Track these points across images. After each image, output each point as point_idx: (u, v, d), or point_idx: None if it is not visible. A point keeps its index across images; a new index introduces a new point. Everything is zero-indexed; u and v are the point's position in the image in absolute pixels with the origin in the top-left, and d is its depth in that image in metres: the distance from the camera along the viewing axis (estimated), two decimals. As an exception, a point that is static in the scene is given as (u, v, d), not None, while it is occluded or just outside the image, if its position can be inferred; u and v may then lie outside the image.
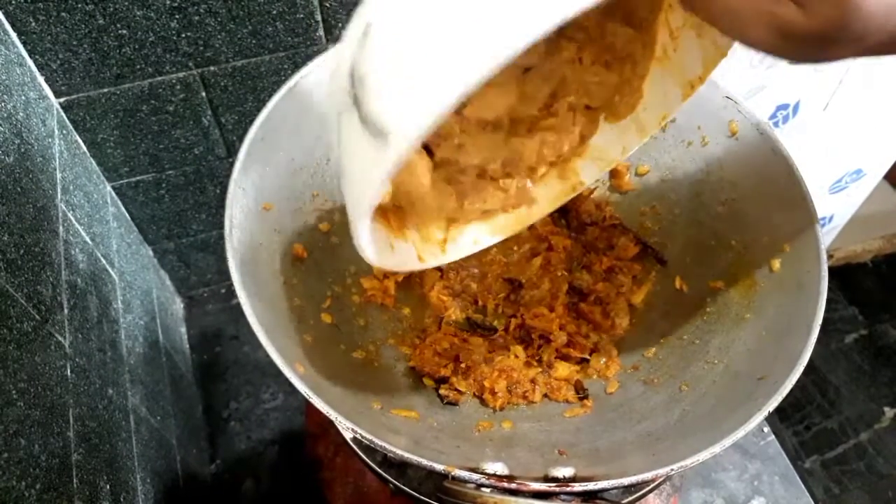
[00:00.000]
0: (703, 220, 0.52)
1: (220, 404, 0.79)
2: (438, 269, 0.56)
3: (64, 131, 0.59)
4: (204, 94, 0.63)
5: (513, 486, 0.35)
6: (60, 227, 0.50)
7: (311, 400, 0.35)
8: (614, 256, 0.56)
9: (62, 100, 0.59)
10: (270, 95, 0.46)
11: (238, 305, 0.38)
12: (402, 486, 0.44)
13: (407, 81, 0.26)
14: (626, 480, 0.35)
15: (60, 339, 0.44)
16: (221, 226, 0.41)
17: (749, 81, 0.84)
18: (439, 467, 0.35)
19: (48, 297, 0.44)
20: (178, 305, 0.86)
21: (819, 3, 0.23)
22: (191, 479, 0.66)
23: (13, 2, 0.51)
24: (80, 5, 0.52)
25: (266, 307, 0.41)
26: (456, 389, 0.49)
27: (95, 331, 0.51)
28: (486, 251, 0.57)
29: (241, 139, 0.45)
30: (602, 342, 0.52)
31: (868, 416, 1.39)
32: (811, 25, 0.23)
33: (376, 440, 0.35)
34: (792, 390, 0.37)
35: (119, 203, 0.70)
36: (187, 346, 0.83)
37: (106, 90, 0.59)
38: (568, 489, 0.35)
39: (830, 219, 1.26)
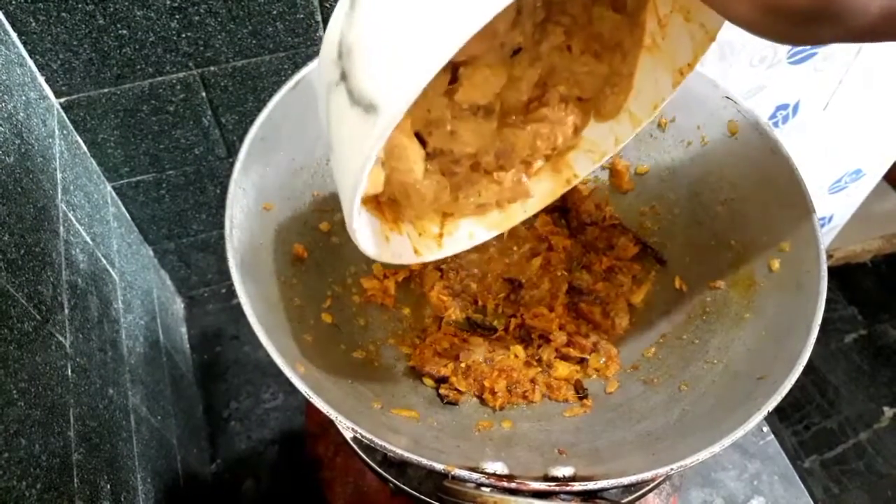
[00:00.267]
0: (703, 220, 0.52)
1: (221, 404, 0.79)
2: (438, 269, 0.56)
3: (64, 131, 0.59)
4: (204, 94, 0.63)
5: (513, 485, 0.35)
6: (61, 227, 0.50)
7: (311, 400, 0.35)
8: (614, 256, 0.56)
9: (62, 100, 0.59)
10: (270, 95, 0.46)
11: (238, 305, 0.38)
12: (402, 486, 0.44)
13: (392, 50, 0.26)
14: (625, 480, 0.35)
15: (61, 338, 0.44)
16: (221, 226, 0.41)
17: (749, 81, 0.84)
18: (439, 467, 0.35)
19: (49, 297, 0.44)
20: (179, 305, 0.86)
21: None
22: (191, 478, 0.67)
23: (13, 2, 0.51)
24: (80, 5, 0.53)
25: (266, 307, 0.41)
26: (456, 389, 0.49)
27: (96, 331, 0.52)
28: (486, 251, 0.57)
29: (241, 139, 0.45)
30: (602, 342, 0.52)
31: (867, 415, 1.39)
32: (795, 1, 0.23)
33: (376, 440, 0.35)
34: (791, 390, 0.37)
35: (119, 203, 0.70)
36: (188, 346, 0.83)
37: (106, 90, 0.60)
38: (568, 489, 0.35)
39: (830, 219, 1.26)
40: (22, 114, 0.49)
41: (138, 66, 0.59)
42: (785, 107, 0.91)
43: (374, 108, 0.26)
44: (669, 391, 0.46)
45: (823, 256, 0.42)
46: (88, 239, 0.56)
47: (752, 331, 0.45)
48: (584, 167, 0.44)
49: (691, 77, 0.50)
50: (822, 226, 1.22)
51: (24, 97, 0.51)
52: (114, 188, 0.69)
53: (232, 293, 0.85)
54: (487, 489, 0.35)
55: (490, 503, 0.35)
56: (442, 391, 0.49)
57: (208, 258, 0.83)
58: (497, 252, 0.57)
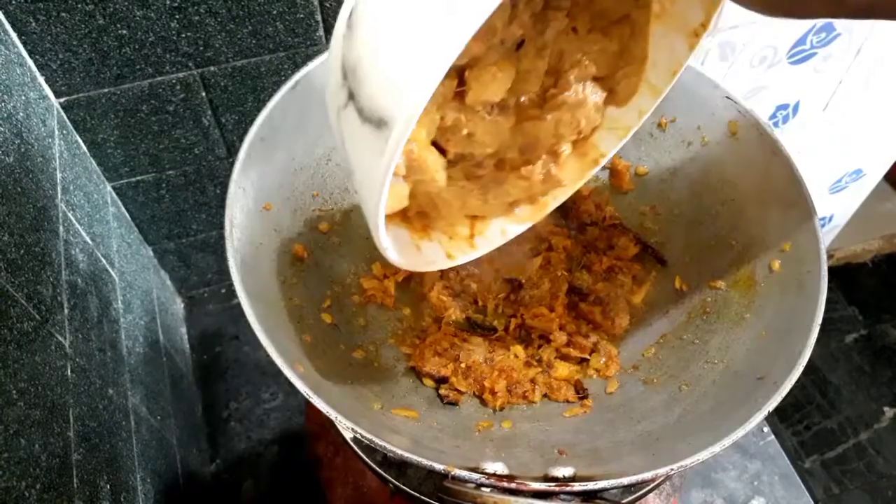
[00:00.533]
0: (704, 220, 0.52)
1: (220, 404, 0.79)
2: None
3: (64, 131, 0.59)
4: (204, 94, 0.63)
5: (513, 485, 0.35)
6: (60, 227, 0.50)
7: (311, 400, 0.35)
8: (614, 256, 0.56)
9: (62, 100, 0.59)
10: (270, 95, 0.46)
11: (238, 305, 0.38)
12: (402, 486, 0.44)
13: (394, 63, 0.26)
14: (625, 480, 0.35)
15: (61, 339, 0.44)
16: (221, 226, 0.41)
17: (749, 81, 0.84)
18: (439, 467, 0.35)
19: (48, 297, 0.44)
20: (179, 305, 0.86)
21: None
22: (191, 478, 0.66)
23: (13, 2, 0.51)
24: (80, 5, 0.52)
25: (266, 307, 0.41)
26: (456, 389, 0.49)
27: (95, 331, 0.51)
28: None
29: (241, 139, 0.45)
30: (602, 342, 0.52)
31: (868, 415, 1.39)
32: None
33: (376, 440, 0.35)
34: (792, 390, 0.37)
35: (119, 203, 0.70)
36: (187, 346, 0.83)
37: (106, 90, 0.59)
38: (568, 489, 0.35)
39: (830, 219, 1.26)
40: (21, 114, 0.49)
41: (138, 66, 0.59)
42: (785, 107, 0.91)
43: (384, 123, 0.27)
44: (670, 391, 0.46)
45: (824, 256, 0.42)
46: (88, 239, 0.56)
47: (753, 331, 0.45)
48: (609, 145, 0.43)
49: (692, 77, 0.50)
50: (823, 226, 1.22)
51: (23, 97, 0.51)
52: (113, 188, 0.69)
53: (232, 293, 0.85)
54: (487, 489, 0.35)
55: (490, 503, 0.35)
56: (442, 391, 0.49)
57: (208, 258, 0.83)
58: (497, 252, 0.57)
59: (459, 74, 0.35)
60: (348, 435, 0.43)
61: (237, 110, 0.66)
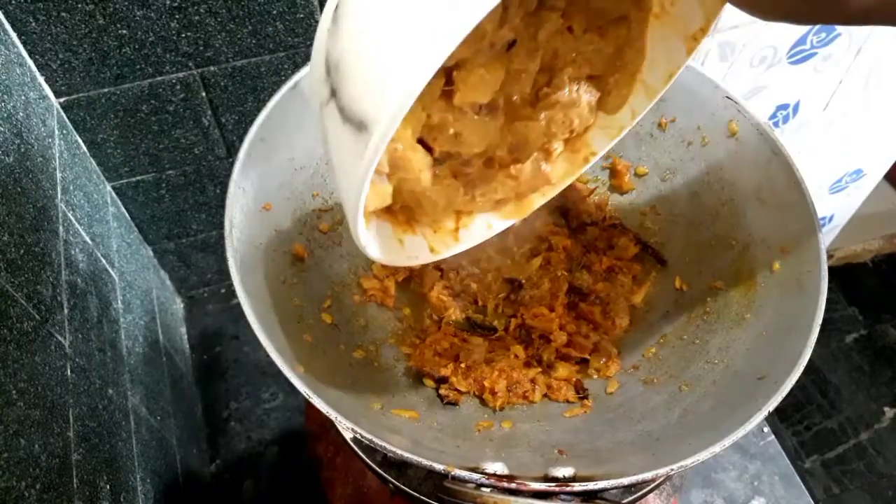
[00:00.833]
0: (703, 220, 0.52)
1: (220, 404, 0.79)
2: (438, 269, 0.56)
3: (64, 131, 0.59)
4: (204, 94, 0.63)
5: (513, 485, 0.35)
6: (60, 227, 0.50)
7: (311, 400, 0.35)
8: (614, 256, 0.56)
9: (62, 100, 0.59)
10: (270, 95, 0.46)
11: (238, 305, 0.38)
12: (402, 486, 0.44)
13: (377, 67, 0.25)
14: (626, 480, 0.35)
15: (60, 339, 0.44)
16: (221, 226, 0.41)
17: (749, 82, 0.84)
18: (439, 467, 0.35)
19: (48, 297, 0.44)
20: (178, 305, 0.86)
21: None
22: (191, 479, 0.66)
23: (13, 2, 0.51)
24: (80, 5, 0.52)
25: (266, 307, 0.41)
26: (456, 389, 0.49)
27: (95, 331, 0.51)
28: (486, 251, 0.57)
29: (241, 139, 0.45)
30: (602, 342, 0.52)
31: (868, 416, 1.39)
32: None
33: (376, 440, 0.35)
34: (792, 390, 0.37)
35: (119, 203, 0.70)
36: (187, 346, 0.83)
37: (106, 90, 0.59)
38: (568, 489, 0.35)
39: (830, 219, 1.26)
40: (21, 113, 0.49)
41: (138, 66, 0.59)
42: (785, 107, 0.91)
43: (365, 127, 0.26)
44: (670, 391, 0.46)
45: (824, 256, 0.42)
46: (88, 239, 0.56)
47: (753, 331, 0.45)
48: (602, 144, 0.42)
49: (692, 77, 0.50)
50: (823, 226, 1.22)
51: (23, 97, 0.51)
52: (113, 188, 0.69)
53: (231, 293, 0.85)
54: (487, 490, 0.35)
55: (490, 503, 0.35)
56: (442, 391, 0.49)
57: (208, 258, 0.83)
58: (497, 252, 0.57)
59: (447, 73, 0.34)
60: (348, 435, 0.43)
61: (237, 110, 0.66)
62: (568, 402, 0.49)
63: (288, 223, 0.49)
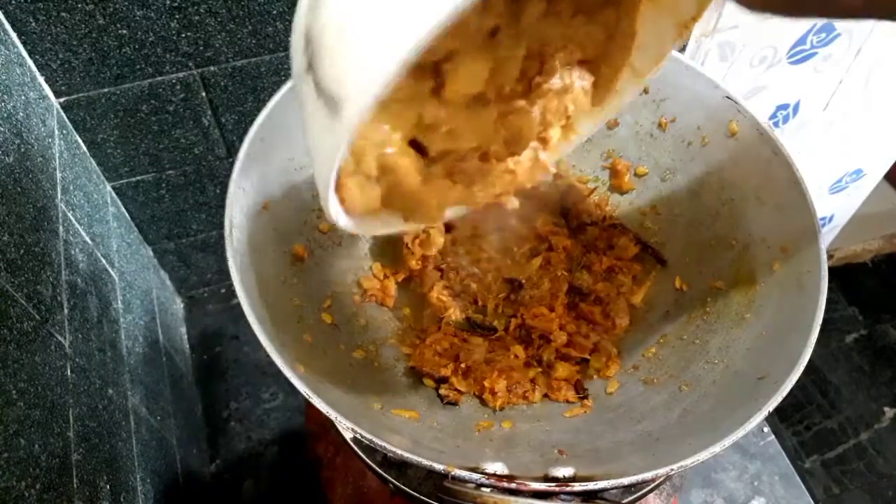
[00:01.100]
0: (703, 220, 0.52)
1: (220, 404, 0.79)
2: (438, 269, 0.56)
3: (64, 131, 0.59)
4: (204, 94, 0.63)
5: (513, 485, 0.35)
6: (60, 227, 0.50)
7: (311, 400, 0.35)
8: (614, 256, 0.56)
9: (62, 100, 0.59)
10: (270, 95, 0.46)
11: (238, 305, 0.38)
12: (402, 486, 0.44)
13: (354, 48, 0.25)
14: (626, 480, 0.35)
15: (60, 339, 0.44)
16: (221, 226, 0.41)
17: (749, 82, 0.84)
18: (439, 467, 0.35)
19: (48, 297, 0.44)
20: (178, 305, 0.86)
21: None
22: (191, 479, 0.66)
23: (13, 2, 0.51)
24: (80, 5, 0.52)
25: (266, 307, 0.41)
26: (456, 389, 0.49)
27: (95, 331, 0.51)
28: (486, 251, 0.57)
29: (241, 139, 0.45)
30: (602, 342, 0.52)
31: (868, 416, 1.39)
32: None
33: (376, 440, 0.35)
34: (792, 390, 0.37)
35: (119, 203, 0.70)
36: (187, 346, 0.83)
37: (106, 90, 0.59)
38: (568, 489, 0.35)
39: (830, 219, 1.26)
40: (21, 113, 0.49)
41: (138, 66, 0.59)
42: (785, 107, 0.91)
43: (336, 106, 0.26)
44: (670, 391, 0.46)
45: (824, 256, 0.42)
46: (88, 239, 0.56)
47: (753, 331, 0.45)
48: (587, 127, 0.42)
49: (692, 77, 0.50)
50: (823, 226, 1.22)
51: (23, 97, 0.51)
52: (113, 188, 0.69)
53: (231, 293, 0.85)
54: (487, 490, 0.35)
55: (490, 503, 0.35)
56: (442, 391, 0.49)
57: (208, 258, 0.83)
58: (497, 252, 0.57)
59: (435, 70, 0.34)
60: (348, 435, 0.43)
61: (237, 110, 0.66)
62: (568, 402, 0.49)
63: (288, 223, 0.49)
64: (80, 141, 0.62)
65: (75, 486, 0.40)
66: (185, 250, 0.81)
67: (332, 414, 0.35)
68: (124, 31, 0.55)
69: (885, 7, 0.23)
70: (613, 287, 0.55)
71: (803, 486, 0.71)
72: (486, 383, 0.49)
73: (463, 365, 0.50)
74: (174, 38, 0.57)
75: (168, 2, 0.55)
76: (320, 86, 0.27)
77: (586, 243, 0.57)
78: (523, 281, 0.56)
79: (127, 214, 0.72)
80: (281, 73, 0.64)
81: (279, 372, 0.36)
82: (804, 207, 0.44)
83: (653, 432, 0.42)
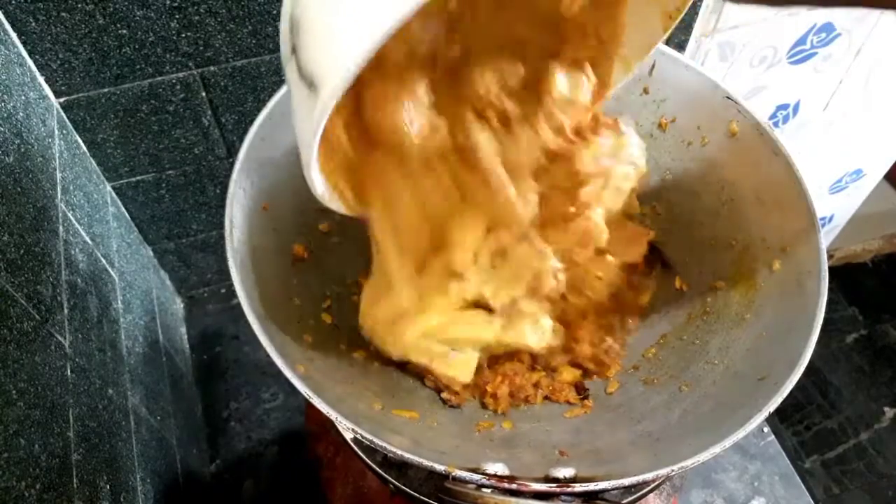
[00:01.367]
0: (704, 220, 0.52)
1: (220, 404, 0.79)
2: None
3: (64, 131, 0.59)
4: (204, 94, 0.63)
5: (513, 486, 0.35)
6: (60, 227, 0.50)
7: (311, 400, 0.35)
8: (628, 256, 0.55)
9: (62, 100, 0.59)
10: (270, 95, 0.46)
11: (238, 305, 0.38)
12: (402, 487, 0.44)
13: (329, 32, 0.26)
14: (626, 481, 0.35)
15: (60, 339, 0.44)
16: (221, 226, 0.41)
17: (749, 82, 0.84)
18: (440, 467, 0.35)
19: (48, 297, 0.44)
20: (178, 305, 0.86)
21: None
22: (191, 479, 0.66)
23: (13, 2, 0.51)
24: (80, 5, 0.52)
25: (266, 307, 0.41)
26: (457, 393, 0.49)
27: (95, 331, 0.51)
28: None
29: (241, 139, 0.45)
30: (613, 346, 0.52)
31: (868, 416, 1.39)
32: None
33: (376, 440, 0.35)
34: (792, 390, 0.37)
35: (119, 203, 0.70)
36: (187, 346, 0.83)
37: (106, 90, 0.59)
38: (569, 489, 0.35)
39: (830, 219, 1.26)
40: (21, 113, 0.49)
41: (138, 66, 0.58)
42: (785, 107, 0.91)
43: (314, 88, 0.27)
44: (670, 392, 0.46)
45: (824, 256, 0.42)
46: (88, 239, 0.56)
47: (753, 331, 0.45)
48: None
49: (691, 77, 0.50)
50: (823, 226, 1.22)
51: (23, 97, 0.51)
52: (113, 188, 0.69)
53: (232, 293, 0.85)
54: (488, 490, 0.35)
55: (490, 504, 0.35)
56: (444, 395, 0.49)
57: (208, 258, 0.83)
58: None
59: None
60: (348, 435, 0.43)
61: (237, 110, 0.66)
62: (569, 403, 0.49)
63: (288, 223, 0.49)
64: (80, 141, 0.62)
65: (75, 486, 0.40)
66: (185, 250, 0.81)
67: (332, 414, 0.35)
68: (124, 31, 0.55)
69: None
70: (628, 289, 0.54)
71: (803, 487, 0.71)
72: (489, 388, 0.48)
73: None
74: (174, 38, 0.57)
75: (168, 2, 0.55)
76: (302, 70, 0.28)
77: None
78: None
79: (127, 214, 0.72)
80: (281, 73, 0.64)
81: (279, 372, 0.36)
82: (804, 207, 0.44)
83: (653, 433, 0.42)
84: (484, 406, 0.49)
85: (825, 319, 0.39)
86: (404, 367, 0.50)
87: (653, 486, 0.46)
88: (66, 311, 0.46)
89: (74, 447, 0.42)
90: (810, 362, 0.38)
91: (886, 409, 1.40)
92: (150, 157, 0.67)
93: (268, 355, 0.36)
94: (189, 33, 0.57)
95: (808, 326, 0.39)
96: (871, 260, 1.63)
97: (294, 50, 0.29)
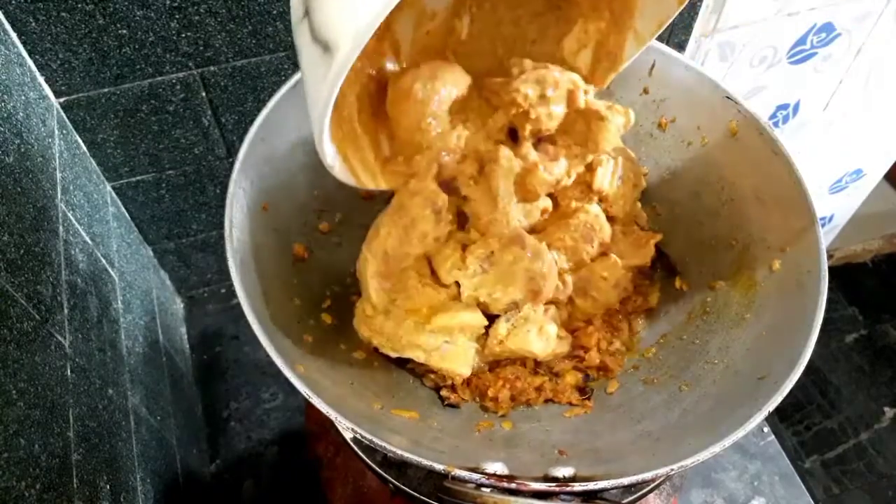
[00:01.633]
0: (704, 221, 0.52)
1: (220, 404, 0.79)
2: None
3: (64, 131, 0.59)
4: (204, 93, 0.63)
5: (513, 485, 0.35)
6: (60, 227, 0.50)
7: (311, 400, 0.35)
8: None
9: (62, 100, 0.59)
10: (270, 95, 0.46)
11: (238, 305, 0.38)
12: (402, 486, 0.44)
13: None
14: (626, 480, 0.35)
15: (60, 339, 0.44)
16: (221, 226, 0.41)
17: (749, 81, 0.84)
18: (439, 467, 0.35)
19: (48, 297, 0.44)
20: (178, 305, 0.86)
21: None
22: (191, 479, 0.66)
23: (13, 2, 0.51)
24: (79, 5, 0.52)
25: (266, 307, 0.41)
26: (457, 394, 0.49)
27: (95, 331, 0.51)
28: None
29: (241, 139, 0.45)
30: (619, 348, 0.52)
31: (868, 416, 1.39)
32: None
33: (376, 440, 0.35)
34: (792, 390, 0.37)
35: (119, 203, 0.70)
36: (187, 346, 0.83)
37: (106, 90, 0.59)
38: (568, 489, 0.35)
39: (830, 218, 1.26)
40: (21, 113, 0.49)
41: (138, 66, 0.58)
42: (785, 107, 0.91)
43: (329, 50, 0.27)
44: (670, 391, 0.46)
45: (824, 256, 0.42)
46: (88, 239, 0.56)
47: (753, 331, 0.45)
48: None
49: (692, 77, 0.50)
50: (823, 226, 1.22)
51: (23, 97, 0.51)
52: (113, 188, 0.69)
53: (231, 293, 0.85)
54: (487, 489, 0.35)
55: (490, 503, 0.35)
56: (443, 394, 0.49)
57: (208, 258, 0.83)
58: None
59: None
60: (348, 435, 0.43)
61: (237, 110, 0.66)
62: (570, 403, 0.49)
63: (288, 223, 0.49)
64: (79, 141, 0.62)
65: (75, 486, 0.40)
66: (185, 250, 0.81)
67: (332, 414, 0.35)
68: (124, 31, 0.55)
69: None
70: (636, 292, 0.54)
71: (803, 486, 0.71)
72: (490, 392, 0.48)
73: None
74: (174, 38, 0.57)
75: (168, 2, 0.55)
76: (315, 32, 0.28)
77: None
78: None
79: (127, 214, 0.72)
80: (281, 72, 0.64)
81: (279, 372, 0.36)
82: (804, 207, 0.44)
83: (653, 432, 0.42)
84: (484, 409, 0.49)
85: (825, 319, 0.39)
86: (404, 366, 0.50)
87: (653, 485, 0.46)
88: (66, 311, 0.46)
89: (74, 447, 0.42)
90: (810, 362, 0.38)
91: (886, 409, 1.40)
92: (150, 157, 0.67)
93: (268, 355, 0.36)
94: (189, 33, 0.57)
95: (808, 326, 0.39)
96: (871, 260, 1.63)
97: (307, 12, 0.29)
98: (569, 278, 0.47)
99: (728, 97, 0.49)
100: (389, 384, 0.49)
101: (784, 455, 0.73)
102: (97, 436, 0.46)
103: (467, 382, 0.49)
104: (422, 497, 0.43)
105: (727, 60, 0.79)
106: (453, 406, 0.49)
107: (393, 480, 0.44)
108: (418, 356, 0.45)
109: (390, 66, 0.40)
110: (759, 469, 0.72)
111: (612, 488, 0.36)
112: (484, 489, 0.35)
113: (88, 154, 0.64)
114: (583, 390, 0.50)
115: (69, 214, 0.53)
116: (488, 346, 0.46)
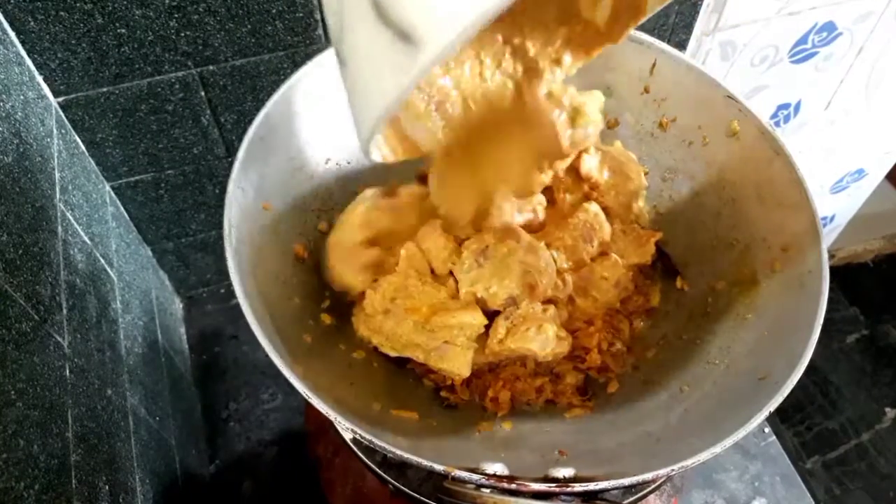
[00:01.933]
0: (705, 220, 0.52)
1: (220, 405, 0.78)
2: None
3: (62, 131, 0.58)
4: (203, 93, 0.63)
5: (513, 486, 0.35)
6: (59, 227, 0.50)
7: (310, 400, 0.35)
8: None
9: (61, 99, 0.59)
10: (270, 95, 0.45)
11: (237, 305, 0.37)
12: (401, 487, 0.44)
13: None
14: (626, 481, 0.34)
15: (59, 339, 0.44)
16: (221, 226, 0.41)
17: (750, 81, 0.84)
18: (439, 468, 0.35)
19: (47, 298, 0.44)
20: (178, 305, 0.86)
21: None
22: (190, 479, 0.66)
23: (12, 1, 0.50)
24: (78, 4, 0.52)
25: (265, 307, 0.41)
26: (456, 394, 0.49)
27: (94, 331, 0.51)
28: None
29: (240, 139, 0.44)
30: (620, 348, 0.51)
31: (869, 416, 1.39)
32: None
33: (376, 440, 0.35)
34: (793, 390, 0.37)
35: (118, 203, 0.70)
36: (186, 346, 0.83)
37: (105, 89, 0.59)
38: (568, 489, 0.35)
39: (831, 219, 1.26)
40: (20, 113, 0.49)
41: (137, 66, 0.58)
42: (786, 106, 0.90)
43: (410, 39, 0.22)
44: (670, 392, 0.46)
45: (825, 256, 0.42)
46: (87, 239, 0.56)
47: (754, 331, 0.45)
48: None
49: (693, 77, 0.50)
50: (824, 226, 1.22)
51: (22, 96, 0.51)
52: (112, 188, 0.69)
53: (231, 293, 0.84)
54: (487, 490, 0.35)
55: (490, 504, 0.35)
56: (443, 394, 0.49)
57: (207, 258, 0.83)
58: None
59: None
60: (348, 435, 0.43)
61: (236, 110, 0.66)
62: (571, 404, 0.49)
63: (288, 223, 0.49)
64: (78, 140, 0.62)
65: (74, 486, 0.40)
66: (184, 250, 0.81)
67: (331, 414, 0.35)
68: (123, 31, 0.55)
69: None
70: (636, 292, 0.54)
71: (804, 487, 0.71)
72: (490, 392, 0.48)
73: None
74: (173, 37, 0.57)
75: (167, 1, 0.54)
76: (383, 9, 0.23)
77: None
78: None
79: (126, 214, 0.72)
80: (280, 72, 0.64)
81: (279, 372, 0.36)
82: (805, 207, 0.44)
83: (653, 433, 0.42)
84: (484, 409, 0.49)
85: (826, 319, 0.39)
86: (404, 367, 0.50)
87: (653, 486, 0.45)
88: (64, 311, 0.46)
89: (73, 448, 0.42)
90: (811, 362, 0.38)
91: (888, 409, 1.40)
92: (149, 157, 0.67)
93: (267, 355, 0.36)
94: (188, 32, 0.57)
95: (809, 326, 0.39)
96: (872, 260, 1.63)
97: None
98: (569, 278, 0.47)
99: (729, 96, 0.48)
100: (389, 384, 0.49)
101: (785, 455, 0.73)
102: (96, 436, 0.46)
103: (467, 383, 0.49)
104: (422, 498, 0.43)
105: (728, 60, 0.79)
106: (453, 406, 0.49)
107: (392, 481, 0.44)
108: (418, 356, 0.45)
109: None
110: (760, 470, 0.72)
111: (613, 489, 0.36)
112: (484, 490, 0.35)
113: (87, 154, 0.64)
114: (583, 391, 0.49)
115: (68, 214, 0.53)
116: (488, 345, 0.46)
